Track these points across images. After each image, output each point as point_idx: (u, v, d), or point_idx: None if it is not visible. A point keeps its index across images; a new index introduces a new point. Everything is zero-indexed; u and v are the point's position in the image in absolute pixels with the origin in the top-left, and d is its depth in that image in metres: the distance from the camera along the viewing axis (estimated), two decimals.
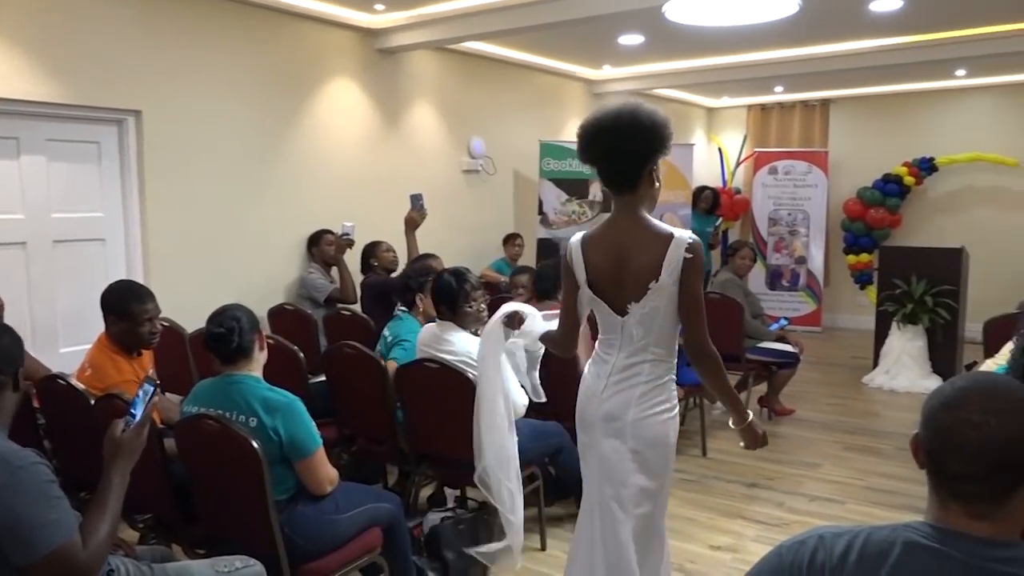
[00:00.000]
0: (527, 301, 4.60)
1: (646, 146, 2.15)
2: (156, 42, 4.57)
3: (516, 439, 2.65)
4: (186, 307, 4.23)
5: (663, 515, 2.35)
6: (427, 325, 3.58)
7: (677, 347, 2.27)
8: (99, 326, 3.21)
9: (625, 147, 2.14)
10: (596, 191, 7.63)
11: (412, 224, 5.36)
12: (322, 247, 5.40)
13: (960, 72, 7.81)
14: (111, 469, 1.88)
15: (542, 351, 2.64)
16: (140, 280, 4.27)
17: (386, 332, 3.88)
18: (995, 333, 3.97)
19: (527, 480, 3.49)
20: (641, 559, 2.23)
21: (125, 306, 3.11)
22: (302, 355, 3.65)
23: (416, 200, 5.32)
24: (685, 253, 2.10)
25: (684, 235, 2.13)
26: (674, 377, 2.29)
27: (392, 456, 3.67)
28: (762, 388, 5.63)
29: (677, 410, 2.29)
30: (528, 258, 6.88)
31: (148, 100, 4.55)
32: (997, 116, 8.43)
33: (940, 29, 6.11)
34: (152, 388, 2.00)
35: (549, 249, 7.07)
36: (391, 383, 3.44)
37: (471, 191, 6.97)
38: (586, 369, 2.37)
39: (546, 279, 4.29)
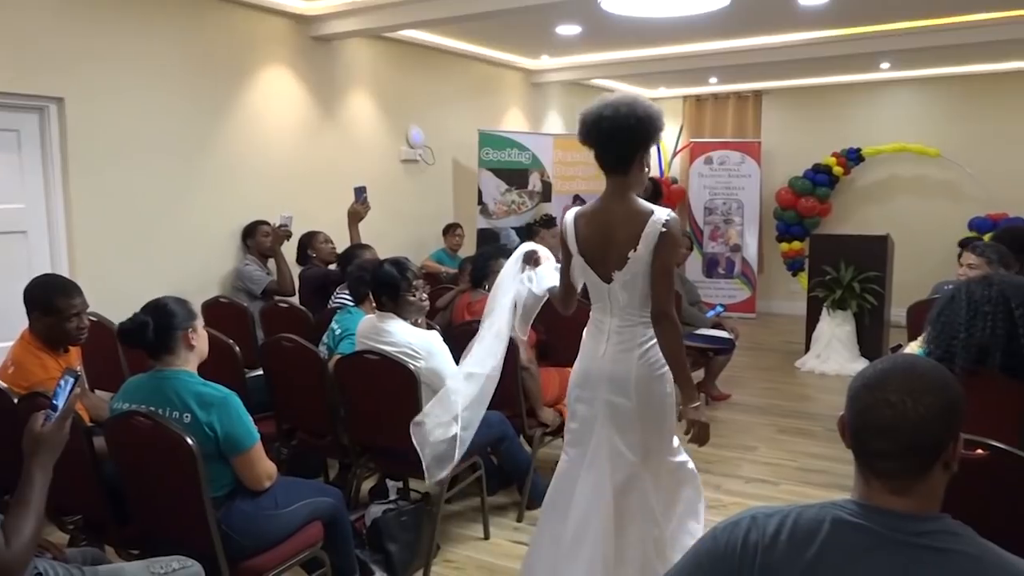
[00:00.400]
0: (466, 290, 4.63)
1: (639, 135, 2.42)
2: (79, 27, 4.38)
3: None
4: (116, 301, 4.06)
5: (681, 458, 2.63)
6: (366, 316, 3.54)
7: None
8: (22, 322, 3.09)
9: (620, 134, 2.40)
10: (536, 181, 7.66)
11: (355, 217, 5.32)
12: (258, 238, 5.28)
13: (885, 65, 8.07)
14: (32, 465, 1.81)
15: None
16: (66, 274, 4.10)
17: (335, 325, 3.82)
18: (918, 317, 4.11)
19: (470, 469, 3.51)
20: (668, 501, 2.56)
21: (50, 301, 2.99)
22: (238, 349, 3.58)
23: (360, 193, 5.28)
24: (661, 228, 2.38)
25: (662, 212, 2.42)
26: None
27: (333, 449, 3.64)
28: (699, 375, 5.74)
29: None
30: (468, 248, 6.85)
31: (71, 87, 4.36)
32: (919, 108, 8.74)
33: (865, 23, 6.31)
34: (73, 379, 1.92)
35: (489, 239, 7.06)
36: (331, 376, 3.40)
37: (410, 181, 6.91)
38: (584, 334, 2.64)
39: (478, 268, 4.32)
